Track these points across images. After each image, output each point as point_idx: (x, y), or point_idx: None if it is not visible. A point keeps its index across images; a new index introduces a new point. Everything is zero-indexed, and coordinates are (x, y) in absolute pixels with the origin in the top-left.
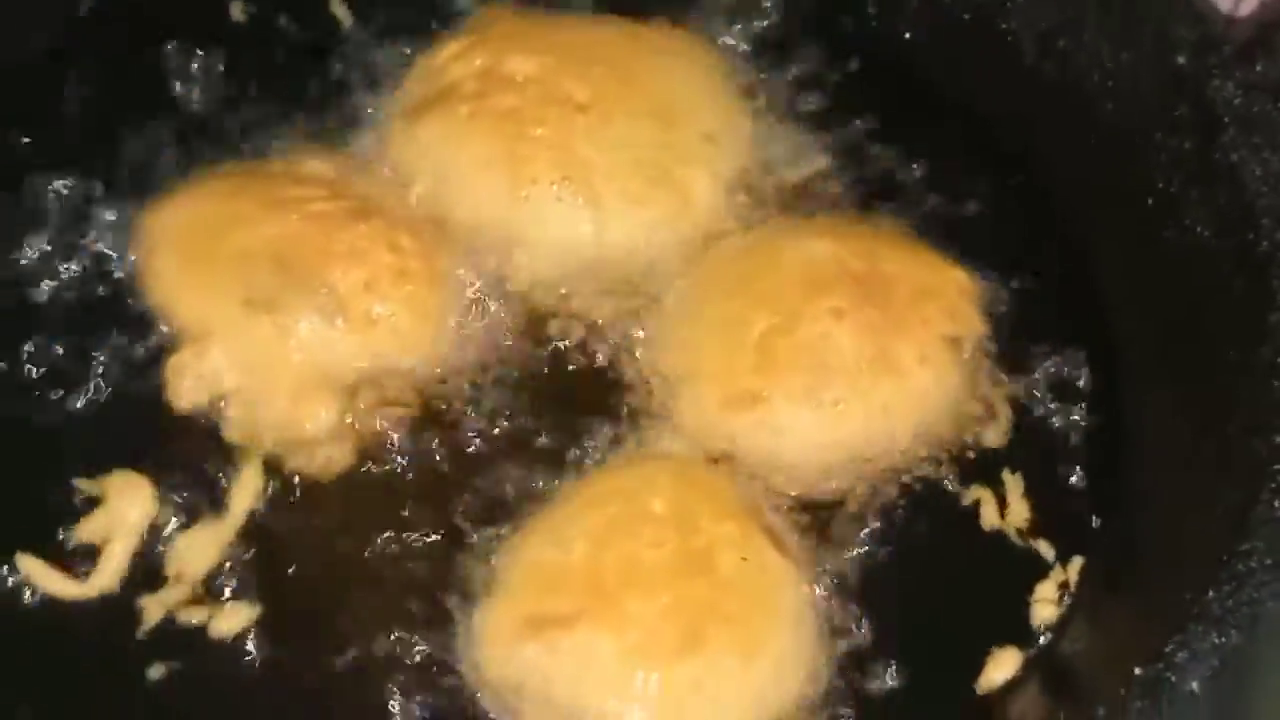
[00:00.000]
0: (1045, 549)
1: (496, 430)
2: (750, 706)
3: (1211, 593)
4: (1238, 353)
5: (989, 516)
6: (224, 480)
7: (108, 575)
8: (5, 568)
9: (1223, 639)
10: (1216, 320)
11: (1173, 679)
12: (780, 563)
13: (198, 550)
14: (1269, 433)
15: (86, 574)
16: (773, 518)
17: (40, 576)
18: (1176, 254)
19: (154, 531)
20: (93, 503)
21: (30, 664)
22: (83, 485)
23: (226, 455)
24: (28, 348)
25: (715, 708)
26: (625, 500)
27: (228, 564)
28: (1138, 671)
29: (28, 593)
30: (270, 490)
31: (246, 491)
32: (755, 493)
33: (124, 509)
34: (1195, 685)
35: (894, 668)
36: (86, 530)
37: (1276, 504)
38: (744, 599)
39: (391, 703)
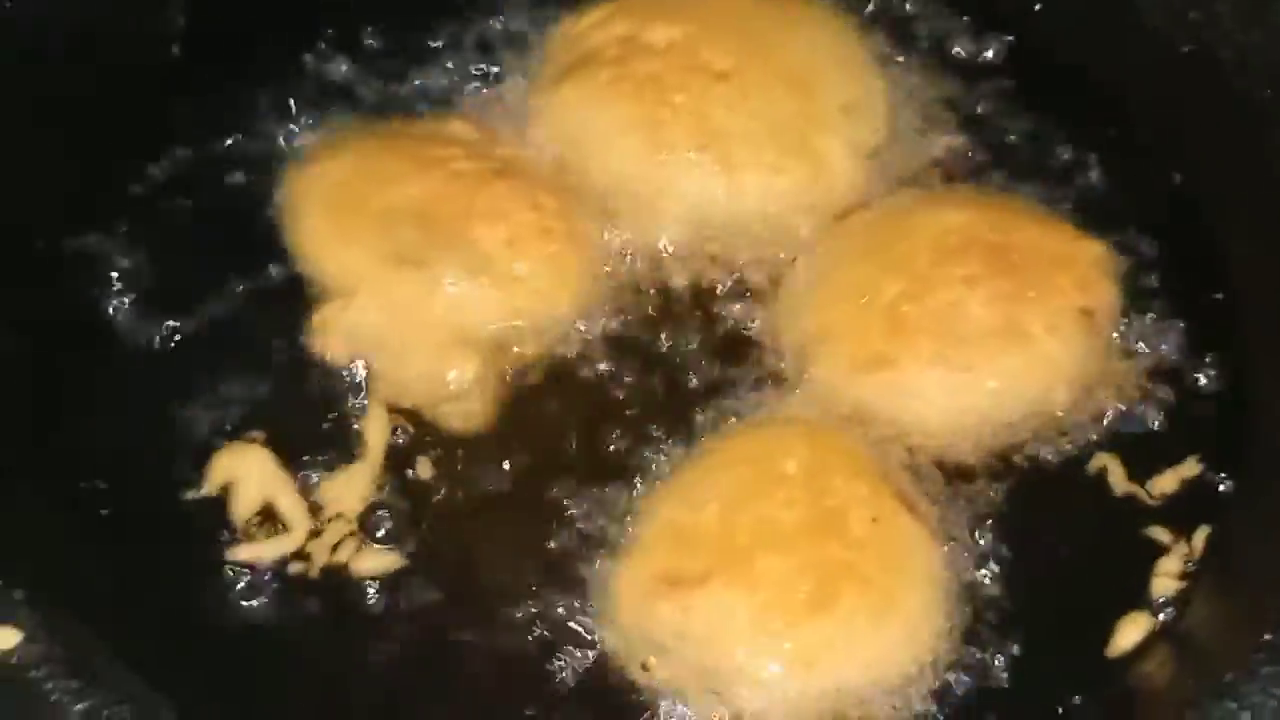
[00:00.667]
0: (1171, 519)
1: (630, 391)
2: (881, 665)
3: None
4: None
5: (1117, 484)
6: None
7: (298, 523)
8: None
9: None
10: None
11: None
12: (912, 525)
13: (349, 490)
14: None
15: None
16: (904, 480)
17: (255, 553)
18: None
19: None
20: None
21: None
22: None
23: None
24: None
25: (846, 666)
26: (758, 462)
27: (378, 511)
28: (1267, 637)
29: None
30: (413, 444)
31: (378, 428)
32: (887, 455)
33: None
34: None
35: (1021, 631)
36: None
37: None
38: (876, 560)
39: (526, 658)
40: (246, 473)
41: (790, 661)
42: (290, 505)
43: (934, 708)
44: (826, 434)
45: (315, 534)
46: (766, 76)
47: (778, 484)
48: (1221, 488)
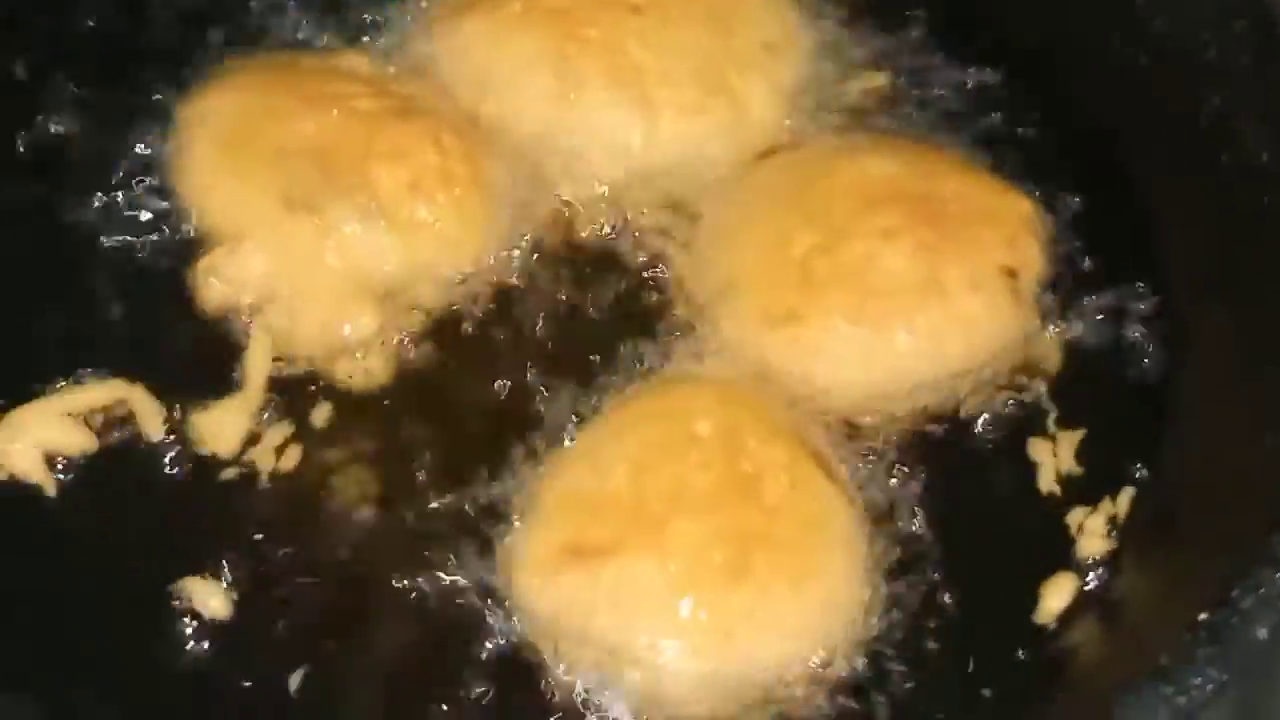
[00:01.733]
0: (1095, 482)
1: (535, 344)
2: (800, 636)
3: (1278, 534)
4: None
5: (1038, 449)
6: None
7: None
8: None
9: None
10: (1273, 246)
11: (1239, 624)
12: (829, 489)
13: (225, 424)
14: None
15: None
16: (820, 442)
17: None
18: (1232, 177)
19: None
20: None
21: None
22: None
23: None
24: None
25: (764, 638)
26: (668, 422)
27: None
28: (1203, 617)
29: None
30: (304, 394)
31: (258, 358)
32: (802, 415)
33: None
34: (1264, 632)
35: (945, 597)
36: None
37: None
38: (793, 525)
39: (429, 638)
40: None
41: (706, 632)
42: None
43: (857, 676)
44: (740, 393)
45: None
46: (685, 10)
47: (690, 446)
48: (1150, 456)
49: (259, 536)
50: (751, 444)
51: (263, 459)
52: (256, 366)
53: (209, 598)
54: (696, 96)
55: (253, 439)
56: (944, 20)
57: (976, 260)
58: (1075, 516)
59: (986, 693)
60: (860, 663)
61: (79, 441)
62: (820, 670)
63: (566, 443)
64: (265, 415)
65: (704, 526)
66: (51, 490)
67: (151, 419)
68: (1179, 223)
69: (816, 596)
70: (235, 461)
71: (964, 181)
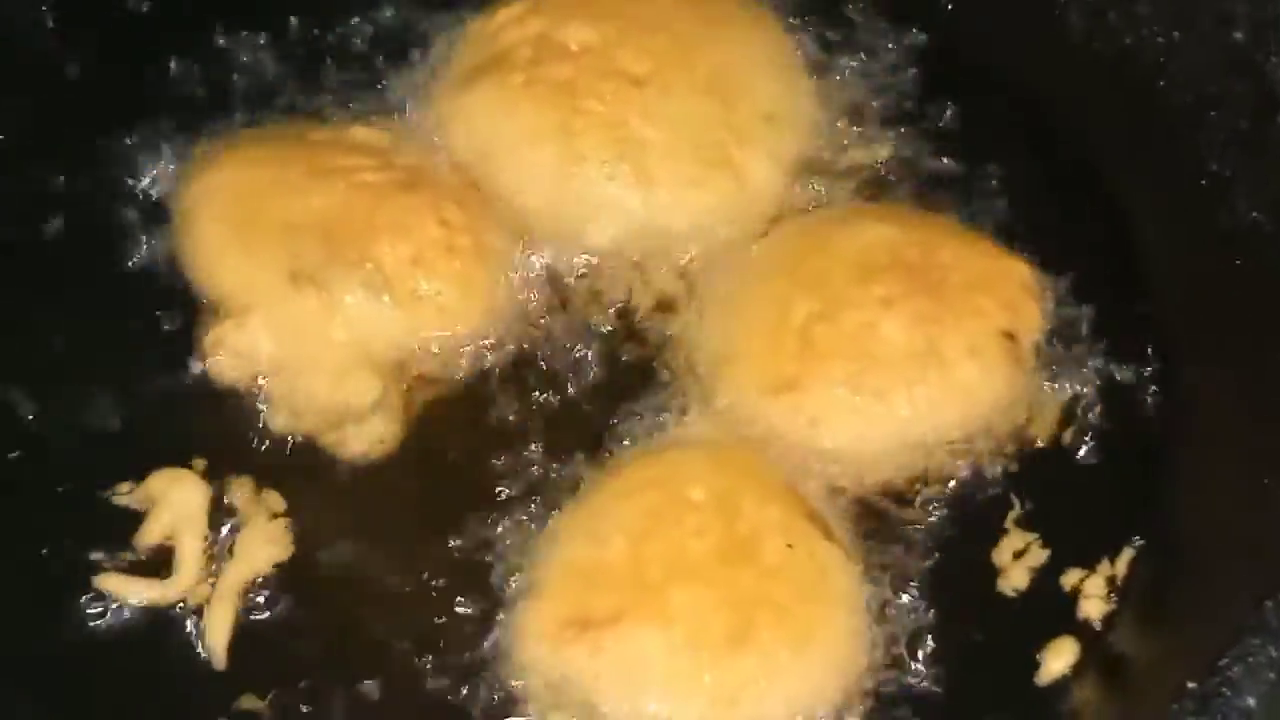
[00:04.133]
0: (1095, 543)
1: (538, 415)
2: (804, 697)
3: (1269, 602)
4: None
5: (1033, 517)
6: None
7: (187, 573)
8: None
9: None
10: (1271, 306)
11: (1227, 693)
12: (827, 548)
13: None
14: None
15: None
16: (817, 503)
17: (121, 588)
18: (1230, 238)
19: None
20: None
21: None
22: (125, 497)
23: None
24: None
25: (769, 700)
26: (662, 489)
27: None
28: (1190, 685)
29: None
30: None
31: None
32: (798, 479)
33: (178, 504)
34: (1252, 701)
35: (948, 658)
36: (150, 534)
37: None
38: (793, 587)
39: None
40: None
41: (711, 700)
42: (191, 553)
43: None
44: (733, 456)
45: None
46: (687, 82)
47: (686, 511)
48: (1151, 518)
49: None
50: (747, 506)
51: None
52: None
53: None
54: (694, 169)
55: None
56: (951, 89)
57: (974, 326)
58: (1072, 578)
59: None
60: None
61: None
62: None
63: (566, 514)
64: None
65: (704, 593)
66: None
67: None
68: (1179, 285)
69: (819, 657)
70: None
71: (962, 247)
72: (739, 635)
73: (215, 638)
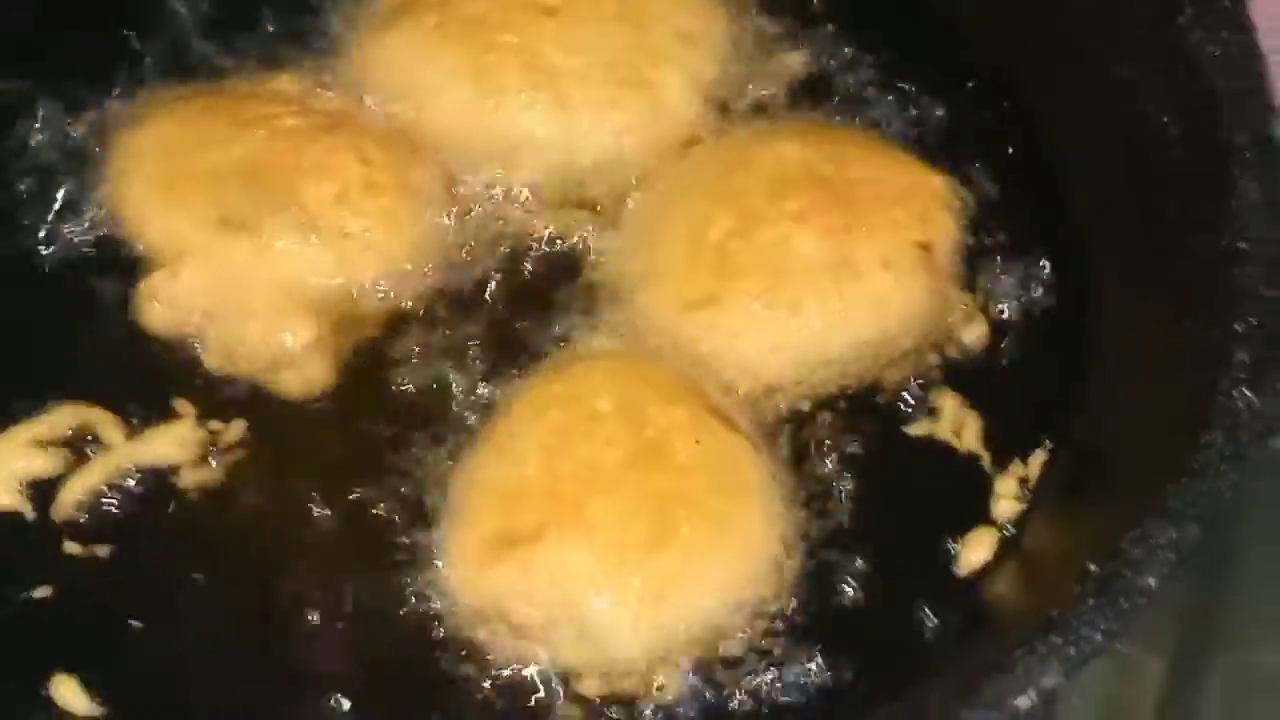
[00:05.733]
0: (1008, 446)
1: (465, 343)
2: (729, 587)
3: (1169, 486)
4: (1197, 242)
5: (953, 419)
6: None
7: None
8: None
9: (1180, 533)
10: (1176, 210)
11: (1128, 574)
12: (734, 439)
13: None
14: (1227, 321)
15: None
16: (719, 399)
17: None
18: (1136, 142)
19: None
20: None
21: None
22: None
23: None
24: None
25: (697, 591)
26: (569, 404)
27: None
28: (1092, 568)
29: None
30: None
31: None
32: (697, 378)
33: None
34: (1153, 581)
35: (868, 550)
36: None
37: (1235, 394)
38: (706, 482)
39: (364, 638)
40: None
41: (641, 599)
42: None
43: (787, 623)
44: (633, 365)
45: None
46: (598, 8)
47: (595, 423)
48: (1060, 420)
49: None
50: (652, 411)
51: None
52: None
53: None
54: (613, 91)
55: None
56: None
57: (888, 238)
58: (990, 476)
59: (910, 640)
60: (790, 609)
61: (47, 467)
62: (753, 621)
63: (482, 436)
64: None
65: (621, 499)
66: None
67: (114, 436)
68: (1091, 192)
69: (738, 548)
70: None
71: (876, 161)
72: (660, 535)
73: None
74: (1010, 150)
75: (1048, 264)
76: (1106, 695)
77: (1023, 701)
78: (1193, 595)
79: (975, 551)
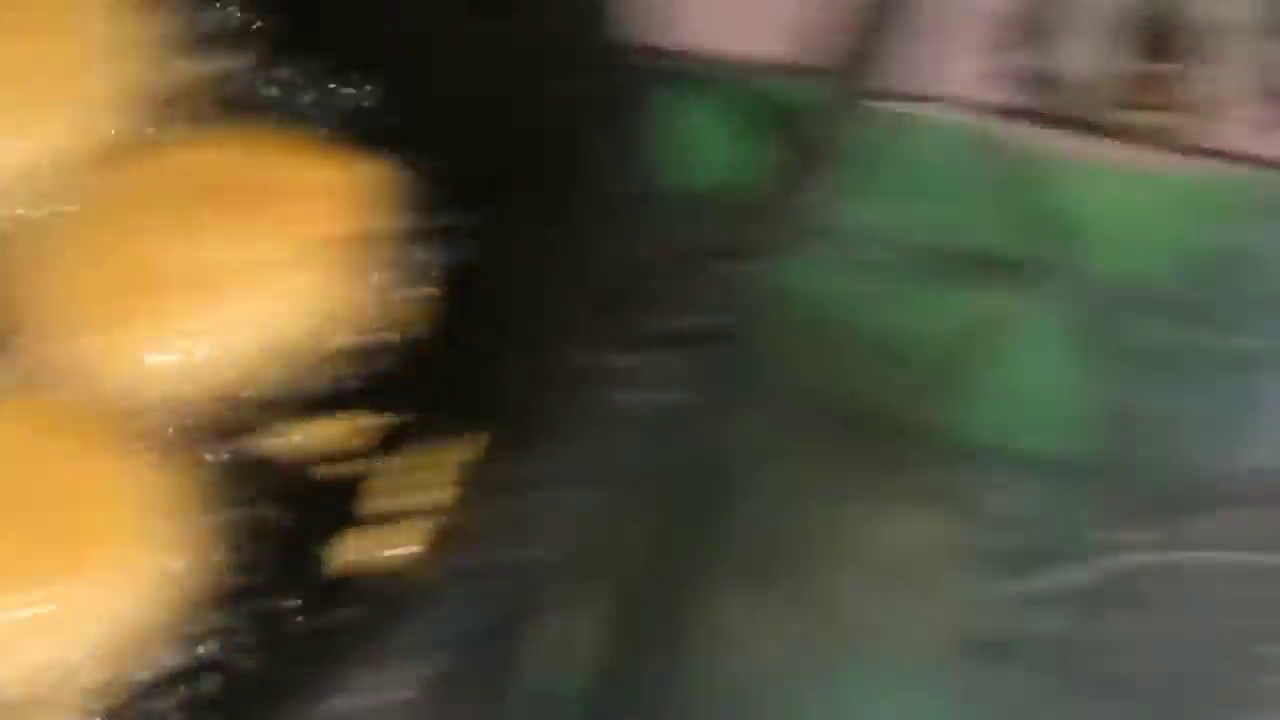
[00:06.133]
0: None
1: None
2: (106, 622)
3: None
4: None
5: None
6: None
7: None
8: None
9: None
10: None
11: None
12: (123, 464)
13: None
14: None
15: None
16: (110, 425)
17: None
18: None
19: None
20: None
21: None
22: None
23: None
24: None
25: (70, 634)
26: None
27: None
28: None
29: None
30: None
31: None
32: (95, 411)
33: None
34: None
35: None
36: None
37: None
38: (91, 509)
39: None
40: None
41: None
42: None
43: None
44: (21, 403)
45: None
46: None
47: None
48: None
49: None
50: (27, 444)
51: None
52: None
53: None
54: (21, 110)
55: None
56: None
57: (289, 239)
58: (399, 466)
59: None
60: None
61: None
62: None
63: None
64: None
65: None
66: None
67: None
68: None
69: (126, 576)
70: None
71: (281, 160)
72: (48, 569)
73: None
74: (414, 138)
75: (458, 245)
76: None
77: None
78: None
79: (343, 554)
